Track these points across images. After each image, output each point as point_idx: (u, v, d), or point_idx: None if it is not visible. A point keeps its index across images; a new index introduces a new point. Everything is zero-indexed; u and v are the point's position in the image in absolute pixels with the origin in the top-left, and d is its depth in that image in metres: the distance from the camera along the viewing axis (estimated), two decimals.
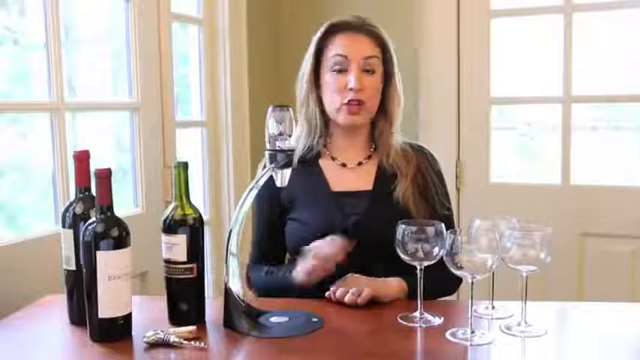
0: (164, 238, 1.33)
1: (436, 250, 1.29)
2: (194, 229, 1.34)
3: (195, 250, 1.34)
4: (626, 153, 2.67)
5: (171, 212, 1.34)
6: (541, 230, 1.26)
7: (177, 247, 1.32)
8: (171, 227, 1.33)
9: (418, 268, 1.33)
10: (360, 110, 1.59)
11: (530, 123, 2.87)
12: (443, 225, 1.31)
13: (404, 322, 1.34)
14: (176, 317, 1.35)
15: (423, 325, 1.32)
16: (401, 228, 1.33)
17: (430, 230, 1.30)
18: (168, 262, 1.33)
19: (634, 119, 2.72)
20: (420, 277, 1.34)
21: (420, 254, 1.31)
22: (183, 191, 1.34)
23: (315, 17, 1.78)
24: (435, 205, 1.62)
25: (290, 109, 1.33)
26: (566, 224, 2.51)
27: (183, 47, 2.58)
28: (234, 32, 2.59)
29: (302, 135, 1.66)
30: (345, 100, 1.58)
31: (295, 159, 1.61)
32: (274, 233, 1.66)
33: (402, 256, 1.33)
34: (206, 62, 2.57)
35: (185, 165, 1.34)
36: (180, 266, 1.32)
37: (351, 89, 1.57)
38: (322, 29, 1.64)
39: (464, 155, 2.72)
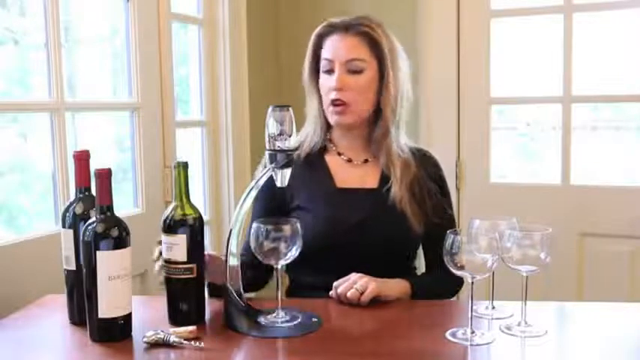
0: (164, 238, 1.33)
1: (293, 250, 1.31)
2: (194, 229, 1.34)
3: (195, 250, 1.34)
4: (626, 153, 2.67)
5: (171, 212, 1.33)
6: (541, 230, 1.26)
7: (177, 247, 1.32)
8: (171, 227, 1.33)
9: None
10: (345, 111, 1.59)
11: (530, 123, 2.87)
12: (298, 223, 1.31)
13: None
14: (176, 317, 1.35)
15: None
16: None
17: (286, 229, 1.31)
18: (168, 262, 1.33)
19: (634, 119, 2.72)
20: None
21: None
22: (183, 191, 1.34)
23: (315, 17, 1.78)
24: (427, 212, 1.60)
25: (290, 109, 1.33)
26: (565, 224, 2.51)
27: (183, 47, 2.58)
28: (234, 32, 2.59)
29: (308, 130, 1.67)
30: (329, 99, 1.59)
31: (302, 154, 1.63)
32: None
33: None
34: (206, 62, 2.57)
35: (185, 165, 1.33)
36: (180, 266, 1.32)
37: (334, 89, 1.58)
38: (317, 31, 1.65)
39: (464, 155, 2.72)
